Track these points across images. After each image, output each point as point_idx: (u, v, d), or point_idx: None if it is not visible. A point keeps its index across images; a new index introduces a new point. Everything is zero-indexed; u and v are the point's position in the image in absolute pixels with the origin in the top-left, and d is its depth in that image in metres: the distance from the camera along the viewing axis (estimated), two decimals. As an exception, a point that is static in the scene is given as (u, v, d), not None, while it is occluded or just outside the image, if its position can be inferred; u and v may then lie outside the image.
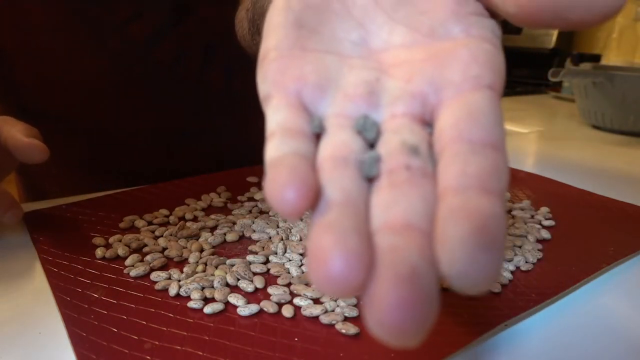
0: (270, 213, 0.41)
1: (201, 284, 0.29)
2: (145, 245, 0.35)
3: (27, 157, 0.34)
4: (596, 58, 1.24)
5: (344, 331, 0.26)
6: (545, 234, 0.38)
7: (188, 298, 0.29)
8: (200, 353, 0.24)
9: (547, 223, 0.41)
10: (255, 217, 0.40)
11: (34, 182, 0.56)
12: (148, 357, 0.23)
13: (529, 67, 1.40)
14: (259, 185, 0.48)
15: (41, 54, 0.46)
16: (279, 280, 0.30)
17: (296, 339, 0.25)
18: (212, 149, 0.52)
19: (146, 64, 0.49)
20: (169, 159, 0.50)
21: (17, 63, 0.47)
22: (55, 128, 0.49)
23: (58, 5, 0.44)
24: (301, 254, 0.34)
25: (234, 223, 0.38)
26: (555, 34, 1.29)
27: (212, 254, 0.34)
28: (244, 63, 0.46)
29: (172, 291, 0.29)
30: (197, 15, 0.48)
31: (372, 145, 0.17)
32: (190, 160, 0.52)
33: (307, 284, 0.30)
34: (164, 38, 0.48)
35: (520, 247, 0.36)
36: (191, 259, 0.33)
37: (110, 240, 0.35)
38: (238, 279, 0.30)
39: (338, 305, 0.28)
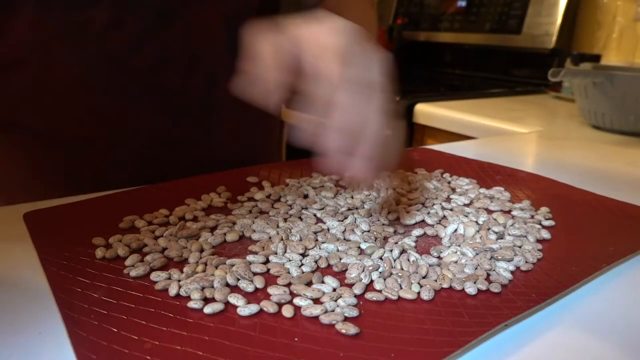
0: (270, 213, 0.41)
1: (201, 284, 0.29)
2: (145, 245, 0.35)
3: None
4: (596, 58, 1.24)
5: (344, 331, 0.26)
6: (545, 234, 0.39)
7: (188, 298, 0.29)
8: (200, 353, 0.24)
9: (547, 223, 0.41)
10: (255, 217, 0.40)
11: (5, 192, 0.53)
12: (148, 357, 0.23)
13: (529, 67, 1.40)
14: (259, 185, 0.48)
15: (18, 64, 0.45)
16: (279, 280, 0.30)
17: (296, 339, 0.25)
18: (194, 158, 0.52)
19: (126, 74, 0.47)
20: (148, 168, 0.49)
21: None
22: (31, 139, 0.48)
23: (35, 14, 0.43)
24: (301, 254, 0.34)
25: (234, 223, 0.38)
26: (555, 34, 1.29)
27: (212, 254, 0.34)
28: (228, 72, 0.45)
29: (172, 291, 0.29)
30: (181, 23, 0.47)
31: None
32: (170, 169, 0.51)
33: (307, 284, 0.30)
34: (145, 47, 0.47)
35: (520, 247, 0.36)
36: (191, 259, 0.33)
37: (110, 240, 0.35)
38: (238, 279, 0.30)
39: (338, 305, 0.28)
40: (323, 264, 0.33)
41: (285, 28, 0.32)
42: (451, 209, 0.43)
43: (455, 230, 0.39)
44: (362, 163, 0.30)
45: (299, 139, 0.30)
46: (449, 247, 0.36)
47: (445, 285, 0.31)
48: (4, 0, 0.43)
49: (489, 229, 0.39)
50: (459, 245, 0.36)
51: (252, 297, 0.29)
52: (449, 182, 0.51)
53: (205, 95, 0.51)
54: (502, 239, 0.38)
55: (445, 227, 0.39)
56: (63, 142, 0.49)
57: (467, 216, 0.41)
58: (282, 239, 0.36)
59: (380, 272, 0.32)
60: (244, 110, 0.51)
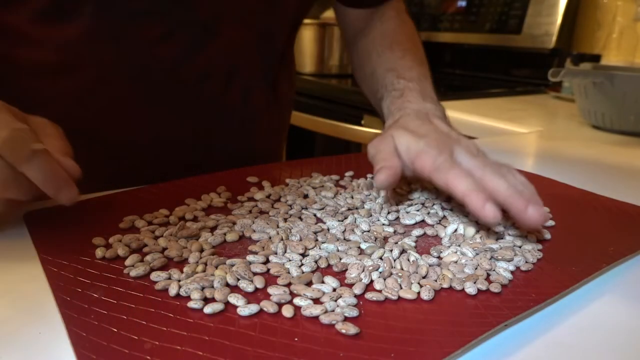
0: (270, 213, 0.41)
1: (201, 284, 0.29)
2: (145, 245, 0.35)
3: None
4: (596, 58, 1.24)
5: (344, 331, 0.26)
6: (545, 234, 0.39)
7: (188, 298, 0.29)
8: (200, 353, 0.24)
9: (547, 223, 0.41)
10: (255, 217, 0.40)
11: None
12: (148, 357, 0.23)
13: (529, 67, 1.40)
14: (259, 185, 0.48)
15: (75, 70, 0.48)
16: (279, 280, 0.30)
17: (296, 339, 0.25)
18: (225, 163, 0.54)
19: (172, 83, 0.50)
20: (184, 170, 0.51)
21: (42, 78, 0.49)
22: (77, 137, 0.49)
23: (92, 23, 0.46)
24: (301, 254, 0.34)
25: (234, 223, 0.38)
26: (555, 34, 1.29)
27: (212, 254, 0.34)
28: (261, 85, 0.55)
29: (172, 291, 0.29)
30: (222, 38, 0.51)
31: None
32: (199, 171, 0.53)
33: (307, 284, 0.30)
34: (190, 59, 0.50)
35: (520, 247, 0.36)
36: (191, 259, 0.33)
37: (110, 240, 0.35)
38: (238, 279, 0.30)
39: (338, 305, 0.28)
40: (323, 264, 0.33)
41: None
42: (451, 209, 0.43)
43: (455, 230, 0.39)
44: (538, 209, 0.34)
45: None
46: (448, 247, 0.36)
47: (445, 285, 0.31)
48: (61, 10, 0.45)
49: (489, 229, 0.39)
50: (459, 245, 0.36)
51: (252, 297, 0.29)
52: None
53: (240, 105, 0.55)
54: (502, 239, 0.38)
55: (445, 227, 0.39)
56: (106, 142, 0.52)
57: (466, 216, 0.41)
58: (282, 239, 0.36)
59: (380, 272, 0.32)
60: (269, 119, 0.60)
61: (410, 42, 0.59)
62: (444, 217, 0.42)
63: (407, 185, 0.49)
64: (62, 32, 0.46)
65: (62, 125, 0.47)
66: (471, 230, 0.38)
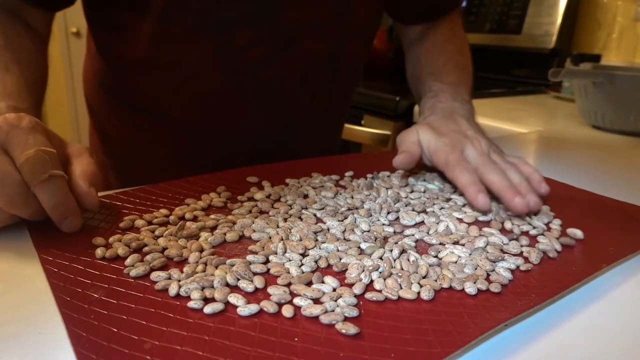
0: (270, 213, 0.41)
1: (201, 284, 0.29)
2: (145, 245, 0.35)
3: (80, 204, 0.36)
4: (596, 58, 1.24)
5: (344, 331, 0.26)
6: (569, 241, 0.38)
7: (188, 298, 0.29)
8: (200, 353, 0.24)
9: (544, 219, 0.41)
10: (255, 217, 0.40)
11: (125, 166, 0.66)
12: (148, 357, 0.23)
13: (529, 67, 1.40)
14: (258, 185, 0.48)
15: (174, 66, 0.56)
16: (279, 280, 0.30)
17: (296, 339, 0.25)
18: (281, 156, 0.60)
19: (255, 83, 0.58)
20: (252, 160, 0.57)
21: (147, 71, 0.57)
22: (162, 125, 0.60)
23: (195, 28, 0.53)
24: (301, 254, 0.34)
25: (234, 223, 0.38)
26: (555, 34, 1.29)
27: (212, 254, 0.34)
28: (329, 87, 0.63)
29: (172, 291, 0.29)
30: (301, 46, 0.58)
31: None
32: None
33: (307, 284, 0.30)
34: (272, 63, 0.57)
35: (521, 247, 0.36)
36: (191, 259, 0.33)
37: (110, 240, 0.35)
38: (238, 279, 0.30)
39: (338, 305, 0.28)
40: (323, 264, 0.33)
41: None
42: (450, 208, 0.43)
43: (447, 227, 0.39)
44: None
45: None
46: (446, 245, 0.36)
47: (445, 285, 0.31)
48: (170, 16, 0.53)
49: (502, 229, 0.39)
50: (459, 245, 0.36)
51: (252, 297, 0.29)
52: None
53: (308, 105, 0.63)
54: (514, 239, 0.38)
55: (437, 223, 0.39)
56: (198, 132, 0.60)
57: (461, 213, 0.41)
58: (282, 239, 0.36)
59: (380, 272, 0.32)
60: (333, 119, 0.71)
61: (456, 52, 0.67)
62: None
63: (407, 186, 0.49)
64: (167, 32, 0.53)
65: (160, 114, 0.60)
66: (461, 226, 0.38)
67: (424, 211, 0.43)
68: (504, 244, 0.37)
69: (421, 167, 0.53)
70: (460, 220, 0.41)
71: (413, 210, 0.43)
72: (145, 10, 0.53)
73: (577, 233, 0.39)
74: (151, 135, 0.62)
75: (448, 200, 0.46)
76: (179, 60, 0.56)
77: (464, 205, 0.44)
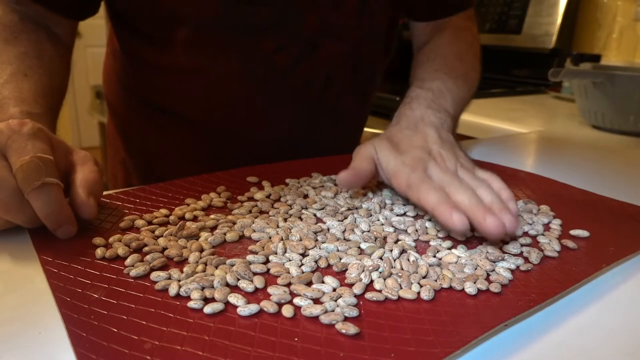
0: (270, 213, 0.41)
1: (201, 284, 0.29)
2: (145, 245, 0.35)
3: (77, 213, 0.36)
4: (596, 58, 1.24)
5: (344, 331, 0.26)
6: (569, 243, 0.38)
7: (188, 298, 0.29)
8: (200, 353, 0.24)
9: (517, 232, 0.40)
10: (255, 217, 0.40)
11: (146, 164, 0.66)
12: (148, 357, 0.23)
13: (529, 67, 1.40)
14: (258, 185, 0.48)
15: (202, 72, 0.56)
16: (279, 280, 0.30)
17: (296, 339, 0.25)
18: (307, 155, 0.60)
19: (282, 87, 0.59)
20: (275, 161, 0.57)
21: (175, 76, 0.58)
22: (186, 126, 0.61)
23: (220, 37, 0.54)
24: (301, 254, 0.34)
25: (234, 223, 0.38)
26: (555, 34, 1.29)
27: (212, 254, 0.34)
28: (351, 88, 0.64)
29: (172, 291, 0.29)
30: (324, 49, 0.58)
31: None
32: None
33: (307, 284, 0.30)
34: (298, 67, 0.58)
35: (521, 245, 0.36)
36: (191, 259, 0.33)
37: (110, 240, 0.35)
38: (238, 279, 0.30)
39: (338, 305, 0.28)
40: (323, 264, 0.33)
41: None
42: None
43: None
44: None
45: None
46: (445, 245, 0.36)
47: (445, 285, 0.31)
48: (198, 22, 0.54)
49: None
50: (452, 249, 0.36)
51: (252, 297, 0.29)
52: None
53: (333, 107, 0.63)
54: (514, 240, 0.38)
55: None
56: (215, 134, 0.61)
57: None
58: (282, 239, 0.36)
59: (380, 272, 0.32)
60: (356, 122, 0.71)
61: (455, 57, 0.62)
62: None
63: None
64: (196, 40, 0.54)
65: (184, 116, 0.60)
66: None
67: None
68: (503, 244, 0.37)
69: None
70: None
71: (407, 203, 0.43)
72: (174, 21, 0.54)
73: (582, 233, 0.39)
74: (174, 136, 0.62)
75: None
76: (207, 66, 0.56)
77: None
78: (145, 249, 0.34)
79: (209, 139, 0.61)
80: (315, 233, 0.37)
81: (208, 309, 0.27)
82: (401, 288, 0.30)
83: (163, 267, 0.32)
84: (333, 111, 0.64)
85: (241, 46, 0.55)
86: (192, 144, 0.62)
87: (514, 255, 0.35)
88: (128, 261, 0.32)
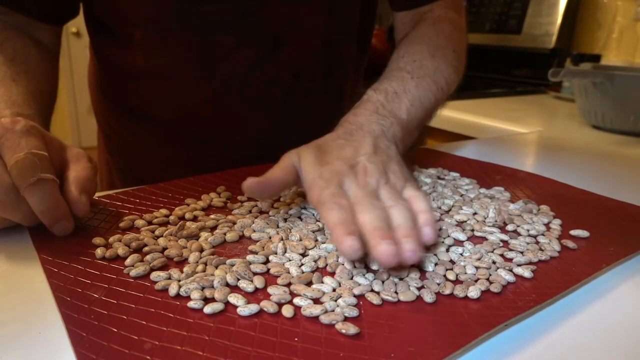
0: (270, 213, 0.41)
1: (201, 284, 0.29)
2: (145, 245, 0.35)
3: (71, 210, 0.36)
4: (596, 58, 1.24)
5: (344, 331, 0.26)
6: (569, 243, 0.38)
7: (188, 298, 0.29)
8: (200, 353, 0.24)
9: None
10: (255, 217, 0.40)
11: (126, 165, 0.66)
12: (148, 357, 0.23)
13: (529, 67, 1.40)
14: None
15: (163, 73, 0.56)
16: (279, 280, 0.30)
17: (296, 339, 0.25)
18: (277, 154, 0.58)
19: (245, 87, 0.57)
20: (246, 162, 0.56)
21: (140, 78, 0.57)
22: (159, 129, 0.61)
23: (176, 37, 0.54)
24: (301, 254, 0.34)
25: (234, 223, 0.38)
26: (555, 34, 1.29)
27: (212, 254, 0.34)
28: (322, 86, 0.61)
29: (172, 291, 0.29)
30: (288, 47, 0.57)
31: None
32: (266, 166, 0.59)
33: (307, 284, 0.30)
34: (261, 66, 0.56)
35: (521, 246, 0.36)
36: (191, 259, 0.33)
37: (110, 240, 0.35)
38: (238, 279, 0.30)
39: (338, 305, 0.28)
40: (323, 264, 0.33)
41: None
42: (449, 210, 0.43)
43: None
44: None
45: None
46: (446, 245, 0.36)
47: (447, 292, 0.31)
48: (167, 39, 0.54)
49: (488, 217, 0.39)
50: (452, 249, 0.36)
51: (252, 297, 0.29)
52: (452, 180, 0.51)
53: (302, 105, 0.62)
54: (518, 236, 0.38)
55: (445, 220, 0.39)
56: (187, 135, 0.61)
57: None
58: (282, 239, 0.36)
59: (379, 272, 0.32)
60: (328, 120, 0.64)
61: (426, 52, 0.54)
62: (441, 217, 0.42)
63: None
64: (151, 39, 0.54)
65: (156, 119, 0.60)
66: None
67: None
68: (504, 244, 0.37)
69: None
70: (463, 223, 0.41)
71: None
72: (131, 21, 0.53)
73: (582, 233, 0.39)
74: (149, 138, 0.62)
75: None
76: (167, 67, 0.56)
77: (471, 200, 0.44)
78: (145, 249, 0.34)
79: (181, 141, 0.61)
80: (315, 233, 0.37)
81: (208, 309, 0.27)
82: (401, 289, 0.30)
83: (163, 267, 0.32)
84: (302, 110, 0.62)
85: (198, 46, 0.54)
86: (167, 146, 0.62)
87: (515, 255, 0.35)
88: (128, 261, 0.32)
